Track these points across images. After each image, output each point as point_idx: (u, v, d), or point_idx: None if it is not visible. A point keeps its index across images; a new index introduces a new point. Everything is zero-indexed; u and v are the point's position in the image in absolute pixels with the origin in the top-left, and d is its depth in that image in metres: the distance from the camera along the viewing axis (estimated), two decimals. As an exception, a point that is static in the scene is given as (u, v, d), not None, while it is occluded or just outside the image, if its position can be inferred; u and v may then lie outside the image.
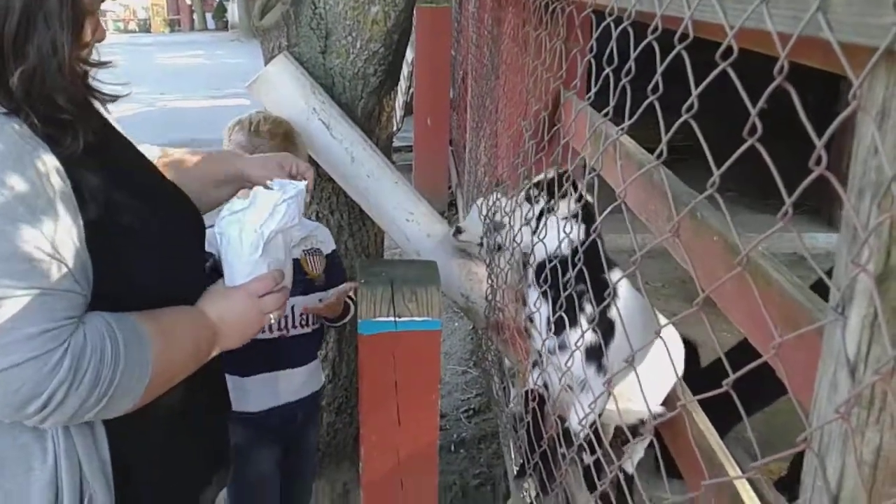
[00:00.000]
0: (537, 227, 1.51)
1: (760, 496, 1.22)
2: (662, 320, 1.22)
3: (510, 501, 2.52)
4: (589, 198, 1.44)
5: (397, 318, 1.54)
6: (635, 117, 0.86)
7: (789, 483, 2.21)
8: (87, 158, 1.03)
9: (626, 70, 0.89)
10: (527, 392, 1.68)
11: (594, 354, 1.44)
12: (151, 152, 1.36)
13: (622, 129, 0.97)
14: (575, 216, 1.44)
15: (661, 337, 0.88)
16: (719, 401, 0.78)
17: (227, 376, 1.46)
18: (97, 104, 1.17)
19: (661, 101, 0.81)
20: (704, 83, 0.71)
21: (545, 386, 1.61)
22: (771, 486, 2.19)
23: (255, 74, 2.22)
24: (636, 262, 0.91)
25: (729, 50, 0.67)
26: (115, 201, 1.06)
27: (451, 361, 3.69)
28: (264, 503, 1.97)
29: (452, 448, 3.02)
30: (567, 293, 1.30)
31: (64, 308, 0.97)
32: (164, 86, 9.93)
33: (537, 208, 1.53)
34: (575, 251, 1.33)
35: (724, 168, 0.69)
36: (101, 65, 1.13)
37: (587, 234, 1.42)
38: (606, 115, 1.02)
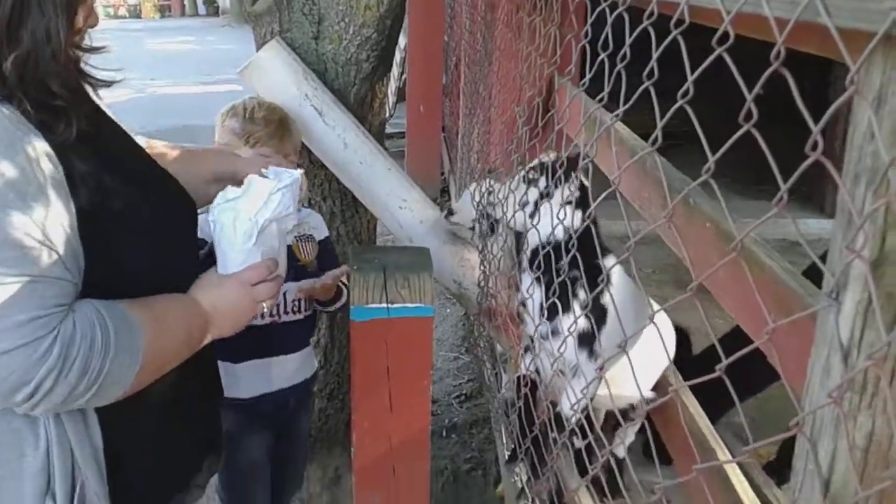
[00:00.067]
0: (535, 211, 1.51)
1: (750, 480, 1.23)
2: (655, 306, 1.22)
3: (501, 486, 2.53)
4: (585, 182, 1.44)
5: (390, 305, 1.54)
6: (630, 103, 0.86)
7: (778, 467, 2.23)
8: (80, 145, 1.02)
9: (621, 56, 0.89)
10: (519, 377, 1.68)
11: (586, 340, 1.44)
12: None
13: (616, 115, 0.97)
14: (570, 202, 1.44)
15: (653, 323, 0.88)
16: (711, 387, 0.78)
17: (219, 363, 1.46)
18: (89, 90, 1.16)
19: (655, 87, 0.81)
20: (701, 68, 0.71)
21: (537, 371, 1.61)
22: (760, 470, 2.21)
23: (247, 60, 2.21)
24: (630, 249, 0.91)
25: (725, 35, 0.66)
26: (107, 187, 1.06)
27: (443, 347, 3.70)
28: (255, 489, 1.97)
29: (444, 433, 3.04)
30: (560, 279, 1.30)
31: (54, 295, 0.96)
32: (155, 71, 9.84)
33: (535, 192, 1.53)
34: (570, 237, 1.33)
35: (719, 154, 0.69)
36: (94, 50, 1.12)
37: (582, 220, 1.42)
38: (601, 101, 1.02)
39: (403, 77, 5.95)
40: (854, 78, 0.53)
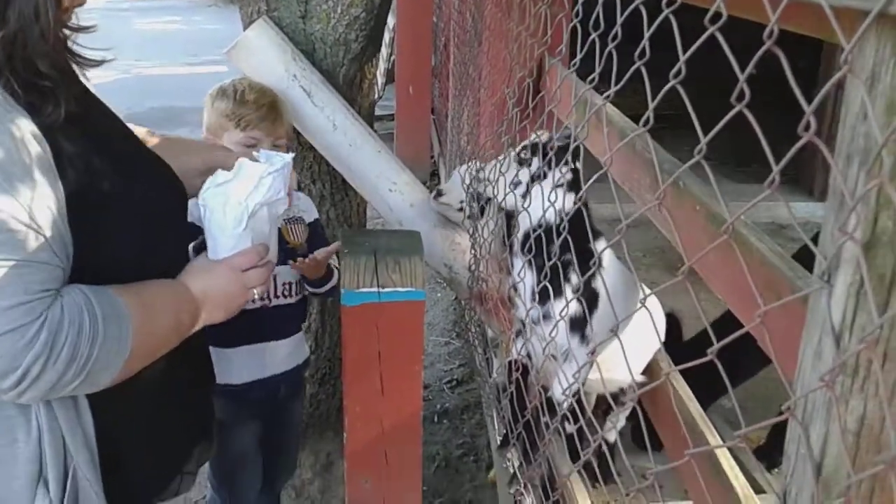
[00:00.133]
0: (526, 192, 1.50)
1: (740, 464, 1.24)
2: (646, 291, 1.22)
3: (493, 471, 2.54)
4: (578, 165, 1.43)
5: (380, 289, 1.53)
6: (621, 83, 0.85)
7: (768, 451, 2.25)
8: (68, 126, 1.01)
9: (612, 35, 0.87)
10: (510, 362, 1.68)
11: (578, 324, 1.44)
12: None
13: (607, 96, 0.96)
14: (561, 185, 1.43)
15: (645, 307, 0.88)
16: (702, 373, 0.78)
17: (211, 349, 1.45)
18: (77, 70, 1.14)
19: (646, 67, 0.80)
20: (693, 48, 0.70)
21: (529, 356, 1.61)
22: (750, 455, 2.22)
23: (234, 40, 2.18)
24: (621, 232, 0.90)
25: (718, 14, 0.65)
26: (96, 169, 1.04)
27: (434, 332, 3.70)
28: (245, 476, 1.97)
29: (435, 419, 3.04)
30: (552, 263, 1.30)
31: (41, 280, 0.95)
32: (140, 52, 9.72)
33: (526, 172, 1.51)
34: (561, 220, 1.32)
35: (711, 135, 0.68)
36: (82, 29, 1.10)
37: (574, 202, 1.41)
38: (592, 81, 1.01)
39: (392, 58, 5.90)
40: (847, 58, 0.52)
